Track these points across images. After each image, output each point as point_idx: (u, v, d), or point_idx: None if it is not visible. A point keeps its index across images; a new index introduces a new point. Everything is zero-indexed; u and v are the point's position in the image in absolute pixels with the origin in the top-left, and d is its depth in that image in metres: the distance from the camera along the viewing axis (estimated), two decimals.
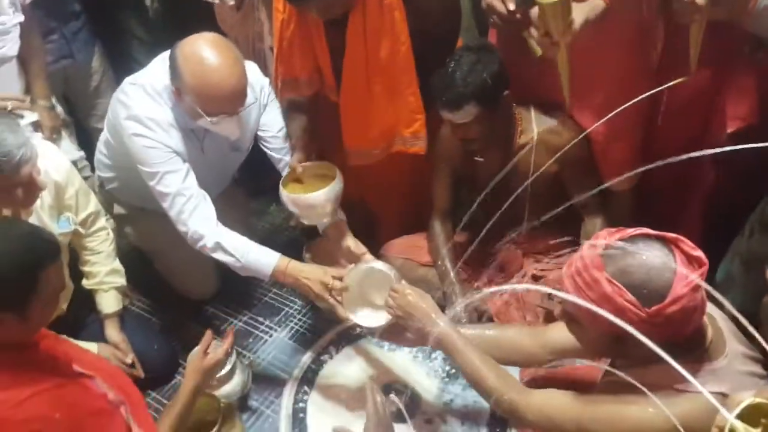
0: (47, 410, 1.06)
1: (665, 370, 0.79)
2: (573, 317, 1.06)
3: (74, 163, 1.87)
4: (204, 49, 1.47)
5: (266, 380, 1.83)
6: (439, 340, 1.28)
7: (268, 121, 1.81)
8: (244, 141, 1.81)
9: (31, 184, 1.34)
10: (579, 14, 1.34)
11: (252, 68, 1.73)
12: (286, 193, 1.66)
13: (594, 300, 0.96)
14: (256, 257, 1.60)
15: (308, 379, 1.80)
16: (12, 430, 1.03)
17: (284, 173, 1.77)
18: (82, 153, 2.04)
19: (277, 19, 1.66)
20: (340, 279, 1.57)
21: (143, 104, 1.60)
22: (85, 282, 1.73)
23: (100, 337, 1.71)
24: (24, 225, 1.17)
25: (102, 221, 1.75)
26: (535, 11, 1.35)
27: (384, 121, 1.74)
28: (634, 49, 1.58)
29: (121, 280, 1.77)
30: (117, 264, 1.78)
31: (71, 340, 1.49)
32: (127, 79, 1.66)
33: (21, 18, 1.77)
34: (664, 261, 0.94)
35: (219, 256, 1.61)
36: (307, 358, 1.85)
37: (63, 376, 1.14)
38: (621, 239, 0.99)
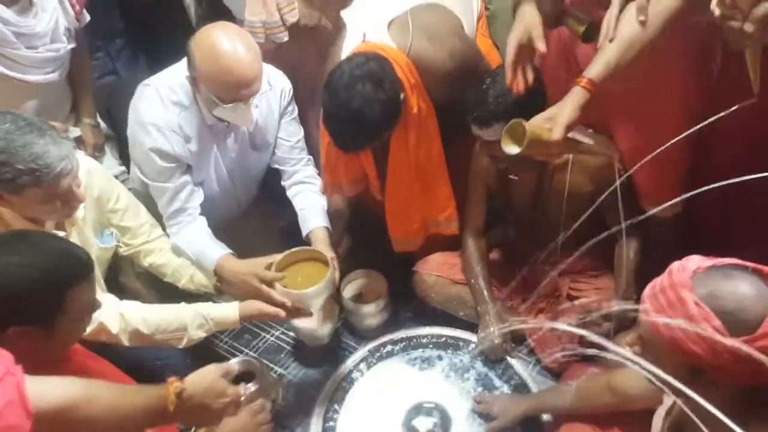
0: None
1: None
2: (648, 343, 1.00)
3: (115, 177, 1.91)
4: (216, 36, 1.51)
5: (297, 397, 1.83)
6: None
7: (288, 129, 1.86)
8: (265, 138, 1.85)
9: (70, 195, 1.36)
10: None
11: (277, 73, 1.80)
12: (282, 289, 1.59)
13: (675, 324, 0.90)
14: (203, 255, 1.70)
15: (338, 396, 1.79)
16: None
17: (292, 180, 1.89)
18: (123, 168, 2.09)
19: (324, 140, 1.76)
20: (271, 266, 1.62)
21: (148, 109, 1.65)
22: (182, 283, 1.74)
23: None
24: (57, 241, 1.16)
25: (159, 230, 1.78)
26: None
27: (423, 213, 1.86)
28: (692, 61, 1.52)
29: None
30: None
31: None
32: (143, 81, 1.71)
33: (73, 44, 1.85)
34: (761, 293, 0.89)
35: (182, 253, 1.74)
36: (337, 375, 1.84)
37: None
38: (714, 266, 0.94)
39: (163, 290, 1.81)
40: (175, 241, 1.73)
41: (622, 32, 1.32)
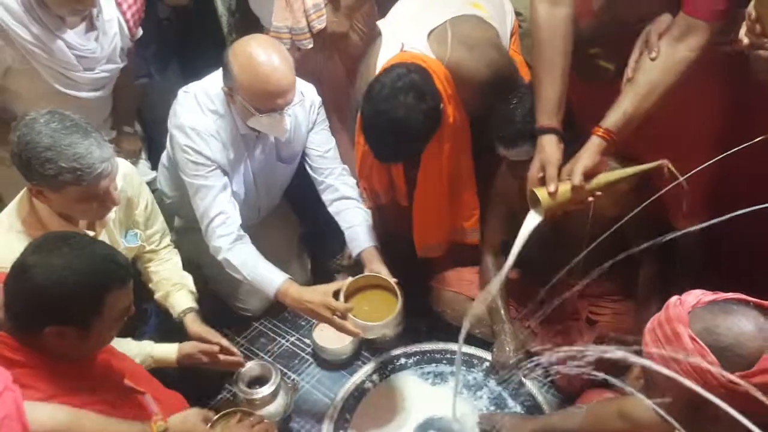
0: None
1: None
2: (650, 376, 1.00)
3: (147, 184, 1.95)
4: (253, 47, 1.56)
5: (309, 404, 1.84)
6: None
7: (318, 140, 1.88)
8: (292, 151, 1.88)
9: (107, 197, 1.40)
10: None
11: (307, 85, 1.82)
12: (355, 320, 1.60)
13: (671, 357, 0.91)
14: (261, 277, 1.69)
15: (350, 406, 1.79)
16: None
17: (332, 195, 1.87)
18: (155, 173, 2.12)
19: (358, 149, 1.79)
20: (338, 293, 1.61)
21: (188, 113, 1.69)
22: (158, 295, 1.75)
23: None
24: (101, 246, 1.20)
25: (168, 239, 1.81)
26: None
27: (449, 221, 1.87)
28: (718, 85, 1.50)
29: (191, 285, 1.79)
30: (185, 273, 1.81)
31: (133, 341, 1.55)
32: (182, 88, 1.75)
33: (125, 62, 1.90)
34: (760, 328, 0.89)
35: (230, 270, 1.72)
36: (350, 384, 1.85)
37: (115, 390, 1.17)
38: (715, 301, 0.94)
39: None
40: (227, 257, 1.71)
41: (638, 82, 1.34)
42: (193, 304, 1.75)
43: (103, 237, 1.57)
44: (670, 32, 1.33)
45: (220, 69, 1.66)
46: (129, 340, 1.60)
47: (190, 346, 1.63)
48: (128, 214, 1.66)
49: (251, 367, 1.76)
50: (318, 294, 1.62)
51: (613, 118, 1.36)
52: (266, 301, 2.13)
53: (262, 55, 1.55)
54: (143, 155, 2.12)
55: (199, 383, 1.78)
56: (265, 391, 1.67)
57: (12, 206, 1.47)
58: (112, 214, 1.55)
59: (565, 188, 1.38)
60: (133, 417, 1.16)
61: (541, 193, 1.39)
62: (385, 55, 1.68)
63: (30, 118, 1.32)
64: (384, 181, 1.87)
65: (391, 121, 1.50)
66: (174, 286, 1.75)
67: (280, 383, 1.70)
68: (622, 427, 1.34)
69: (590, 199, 1.41)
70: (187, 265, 2.07)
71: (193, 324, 1.70)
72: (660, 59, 1.34)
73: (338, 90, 2.07)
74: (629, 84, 1.38)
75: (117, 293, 1.13)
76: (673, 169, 1.35)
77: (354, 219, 1.86)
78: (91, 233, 1.51)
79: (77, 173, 1.30)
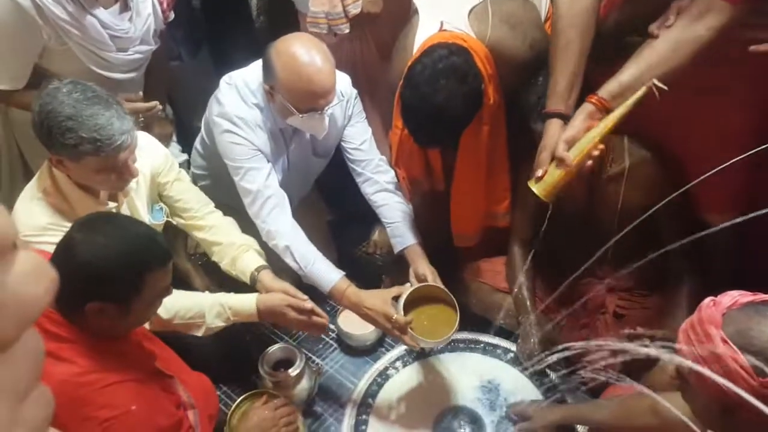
0: (126, 400, 1.12)
1: None
2: (684, 379, 0.99)
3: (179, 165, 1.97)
4: (296, 46, 1.55)
5: (332, 388, 1.86)
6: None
7: (352, 132, 1.87)
8: (327, 146, 1.87)
9: (125, 169, 1.40)
10: None
11: (343, 78, 1.80)
12: (415, 336, 1.60)
13: (703, 358, 0.89)
14: (319, 271, 1.67)
15: (372, 392, 1.81)
16: (91, 411, 1.10)
17: (371, 188, 1.86)
18: (186, 156, 2.14)
19: (396, 134, 1.77)
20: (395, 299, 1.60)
21: (234, 103, 1.69)
22: (224, 263, 1.70)
23: None
24: (143, 227, 1.22)
25: (211, 206, 1.78)
26: None
27: (484, 204, 1.84)
28: (754, 70, 1.43)
29: (257, 246, 1.73)
30: (247, 236, 1.76)
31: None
32: (224, 78, 1.75)
33: (158, 44, 1.90)
34: None
35: (286, 258, 1.70)
36: (373, 370, 1.86)
37: (146, 371, 1.20)
38: (751, 303, 0.92)
39: (213, 272, 1.85)
40: (288, 245, 1.69)
41: (644, 55, 1.30)
42: (263, 261, 1.69)
43: (125, 209, 1.57)
44: (690, 10, 1.28)
45: (260, 61, 1.65)
46: (206, 293, 1.61)
47: (278, 299, 1.56)
48: (153, 186, 1.66)
49: (276, 350, 1.78)
50: (378, 301, 1.62)
51: (609, 86, 1.33)
52: (294, 285, 2.14)
53: (305, 55, 1.54)
54: (174, 137, 2.15)
55: (225, 366, 1.82)
56: (290, 374, 1.69)
57: (33, 180, 1.49)
58: (134, 185, 1.55)
59: (552, 168, 1.36)
60: (160, 398, 1.19)
61: (531, 183, 1.39)
62: (423, 34, 1.62)
63: (53, 87, 1.32)
64: (421, 165, 1.84)
65: (431, 105, 1.46)
66: (240, 249, 1.69)
67: (304, 367, 1.72)
68: (652, 423, 1.32)
69: (589, 162, 1.35)
70: None
71: (273, 281, 1.62)
72: (673, 35, 1.29)
73: (374, 75, 2.04)
74: (634, 55, 1.33)
75: (157, 273, 1.15)
76: (660, 84, 1.26)
77: (396, 215, 1.85)
78: (113, 204, 1.52)
79: (97, 144, 1.30)
